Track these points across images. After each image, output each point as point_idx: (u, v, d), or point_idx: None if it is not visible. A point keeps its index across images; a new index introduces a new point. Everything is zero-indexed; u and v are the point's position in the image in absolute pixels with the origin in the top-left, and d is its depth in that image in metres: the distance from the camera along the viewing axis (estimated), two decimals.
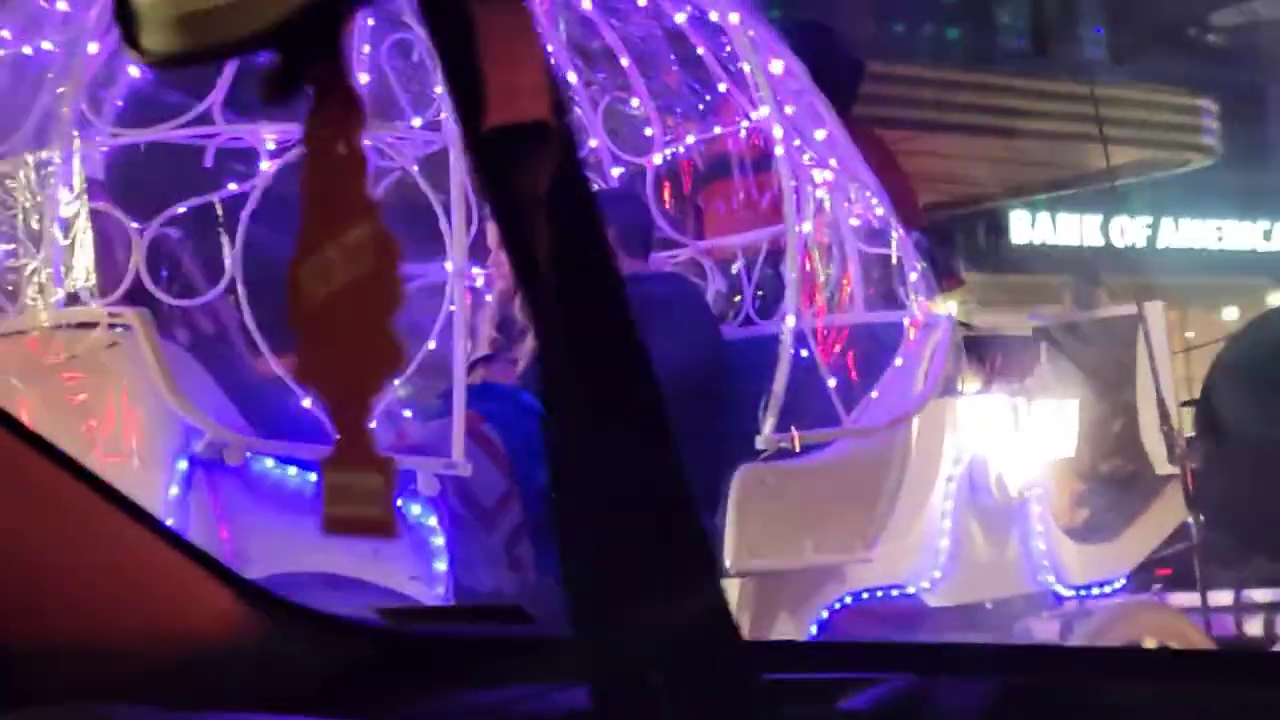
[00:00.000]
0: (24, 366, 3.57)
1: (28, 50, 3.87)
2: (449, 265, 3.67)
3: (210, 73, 3.52)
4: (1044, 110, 15.52)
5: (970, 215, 20.83)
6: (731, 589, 3.99)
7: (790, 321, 4.01)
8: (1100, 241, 18.26)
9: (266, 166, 3.55)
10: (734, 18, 4.25)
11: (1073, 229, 20.08)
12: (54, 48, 3.83)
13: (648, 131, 4.79)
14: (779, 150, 4.15)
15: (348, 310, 0.68)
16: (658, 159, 4.81)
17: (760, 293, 4.54)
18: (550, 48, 4.70)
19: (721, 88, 4.56)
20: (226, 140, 3.63)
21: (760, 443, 3.97)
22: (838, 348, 4.09)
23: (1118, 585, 4.62)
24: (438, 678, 1.62)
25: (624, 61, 4.70)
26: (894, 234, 4.20)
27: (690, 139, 4.77)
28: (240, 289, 3.51)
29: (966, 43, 19.58)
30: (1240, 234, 21.69)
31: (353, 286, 0.68)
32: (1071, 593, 4.52)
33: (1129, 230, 17.06)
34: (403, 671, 1.64)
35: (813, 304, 4.11)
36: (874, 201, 4.25)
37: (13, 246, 3.66)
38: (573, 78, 4.76)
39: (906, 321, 4.18)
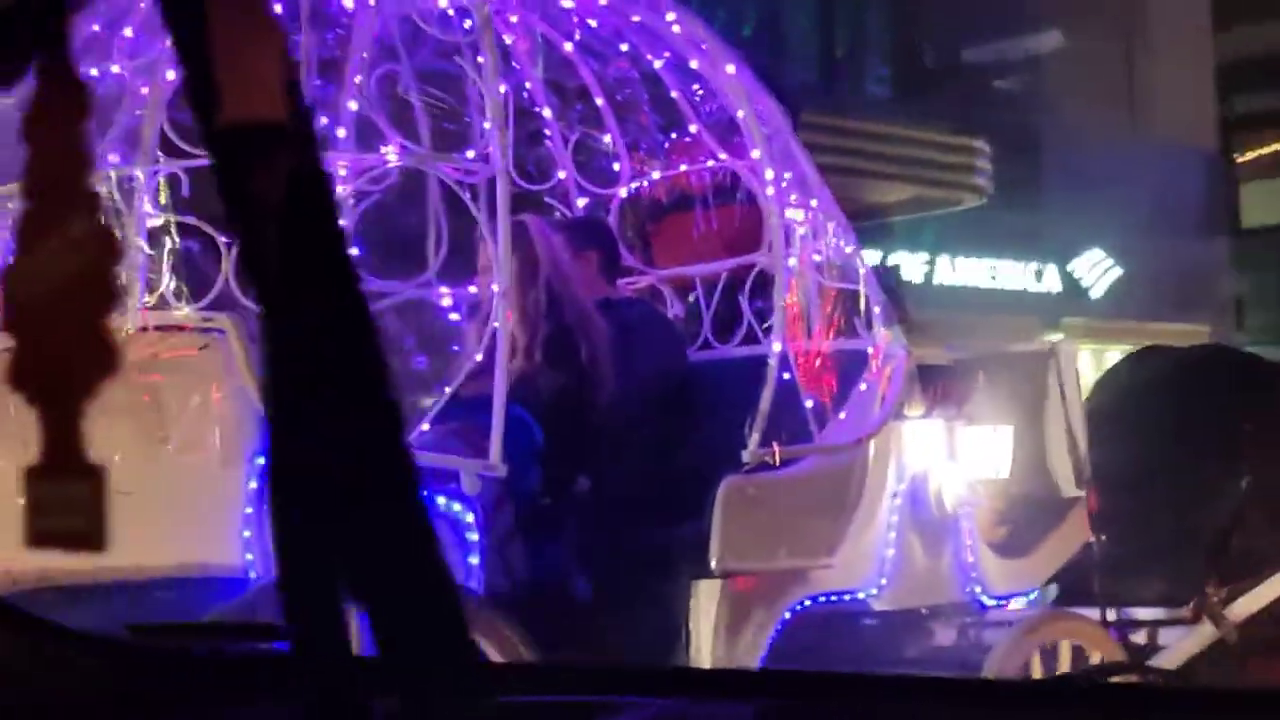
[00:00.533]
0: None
1: (94, 72, 4.22)
2: (495, 286, 4.14)
3: None
4: (822, 144, 16.30)
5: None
6: (714, 588, 4.53)
7: (777, 347, 4.58)
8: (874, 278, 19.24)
9: (342, 190, 3.98)
10: (730, 68, 4.80)
11: None
12: (121, 71, 4.19)
13: (615, 166, 5.31)
14: (769, 190, 4.71)
15: (63, 309, 0.66)
16: (623, 192, 5.33)
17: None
18: (529, 85, 5.19)
19: (693, 129, 5.11)
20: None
21: (746, 456, 4.52)
22: (813, 372, 4.66)
23: (1031, 596, 5.30)
24: (176, 695, 1.62)
25: (599, 101, 5.22)
26: (860, 270, 4.81)
27: (655, 174, 5.30)
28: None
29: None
30: (1013, 273, 22.77)
31: (69, 284, 0.66)
32: (994, 602, 5.17)
33: (906, 267, 18.13)
34: (139, 688, 1.62)
35: (794, 332, 4.68)
36: (842, 241, 4.85)
37: None
38: (548, 113, 5.26)
39: (870, 350, 4.79)
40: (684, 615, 4.49)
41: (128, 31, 4.24)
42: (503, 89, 4.29)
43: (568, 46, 5.07)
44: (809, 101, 18.01)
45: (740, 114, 4.86)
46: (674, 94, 5.08)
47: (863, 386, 4.74)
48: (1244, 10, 28.05)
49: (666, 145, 5.25)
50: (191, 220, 3.94)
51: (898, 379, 4.81)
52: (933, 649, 5.11)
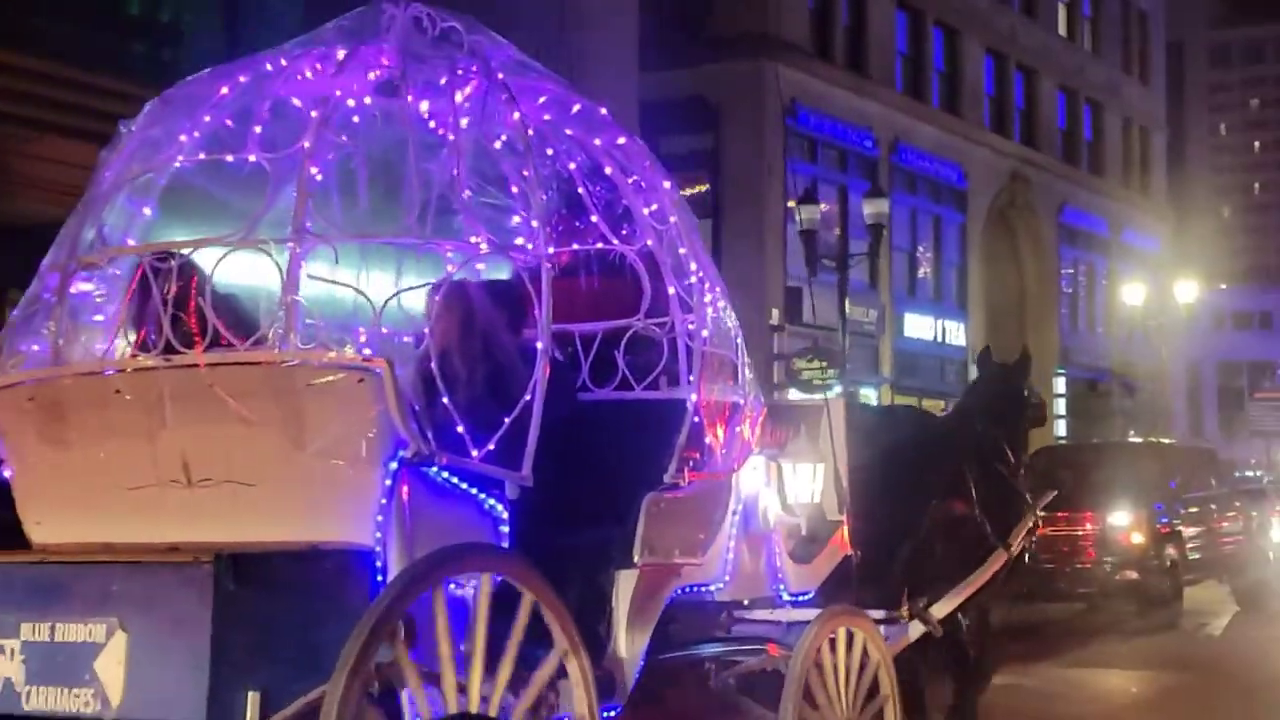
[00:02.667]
0: (260, 392, 5.60)
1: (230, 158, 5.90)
2: (539, 344, 6.06)
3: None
4: None
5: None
6: (632, 576, 6.54)
7: (693, 396, 6.70)
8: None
9: (452, 269, 5.86)
10: (666, 183, 6.88)
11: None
12: (258, 160, 5.88)
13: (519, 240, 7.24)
14: (694, 267, 6.81)
15: None
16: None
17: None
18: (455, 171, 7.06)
19: (593, 218, 7.13)
20: (421, 245, 5.88)
21: (667, 477, 6.61)
22: (709, 414, 6.80)
23: (810, 595, 7.59)
24: None
25: (514, 189, 7.13)
26: (738, 340, 7.00)
27: (550, 250, 7.28)
28: (434, 348, 5.78)
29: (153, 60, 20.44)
30: None
31: None
32: (790, 597, 7.44)
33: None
34: None
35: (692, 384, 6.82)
36: (724, 305, 7.00)
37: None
38: (467, 194, 7.15)
39: (740, 400, 6.98)
40: (610, 595, 6.50)
41: (257, 129, 5.94)
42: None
43: (497, 144, 6.96)
44: None
45: (646, 210, 6.94)
46: (580, 190, 7.11)
47: (737, 429, 6.93)
48: None
49: (562, 228, 7.26)
50: (344, 283, 5.71)
51: (759, 424, 7.04)
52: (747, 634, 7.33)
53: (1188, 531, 21.18)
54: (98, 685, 5.25)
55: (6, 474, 6.19)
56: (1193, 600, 21.00)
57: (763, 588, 7.31)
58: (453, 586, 5.54)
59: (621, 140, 6.93)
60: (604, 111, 6.87)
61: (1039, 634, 18.39)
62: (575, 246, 7.23)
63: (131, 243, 6.28)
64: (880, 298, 40.36)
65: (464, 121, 6.17)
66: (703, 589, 6.98)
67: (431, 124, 6.34)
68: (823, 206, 32.84)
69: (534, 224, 6.15)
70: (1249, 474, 31.13)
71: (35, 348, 6.10)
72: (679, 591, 6.82)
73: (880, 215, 30.47)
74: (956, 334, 44.88)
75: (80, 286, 6.26)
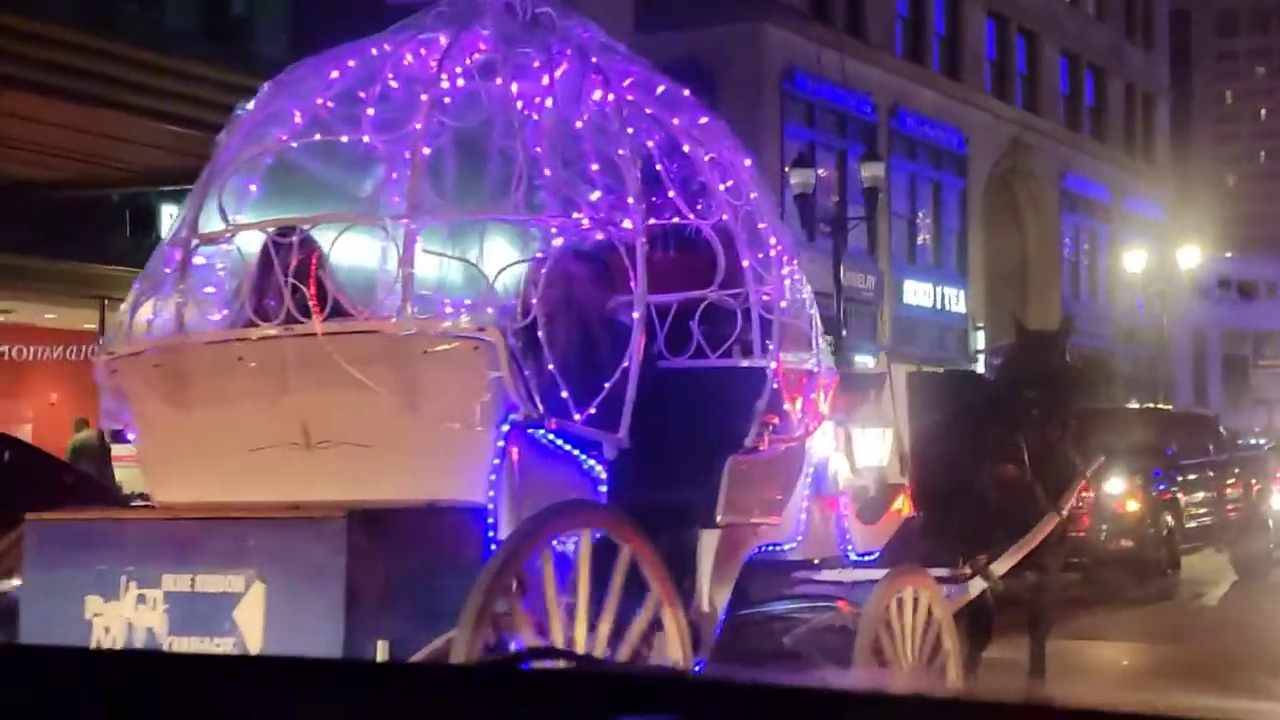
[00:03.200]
0: (378, 359, 6.08)
1: (344, 139, 6.38)
2: (635, 313, 6.54)
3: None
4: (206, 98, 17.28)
5: (111, 199, 22.11)
6: (714, 536, 7.02)
7: (773, 364, 7.19)
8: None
9: (558, 243, 6.34)
10: (747, 162, 7.36)
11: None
12: (371, 140, 6.36)
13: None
14: (774, 241, 7.29)
15: None
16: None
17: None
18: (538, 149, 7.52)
19: (671, 194, 7.58)
20: (530, 221, 6.36)
21: (747, 442, 7.10)
22: (788, 383, 7.30)
23: (875, 555, 8.09)
24: None
25: (594, 166, 7.58)
26: (811, 311, 7.49)
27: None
28: (540, 317, 6.26)
29: (138, 17, 20.95)
30: None
31: None
32: (856, 556, 7.94)
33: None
34: None
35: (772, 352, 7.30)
36: (800, 278, 7.49)
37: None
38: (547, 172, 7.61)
39: (814, 368, 7.47)
40: (695, 552, 6.99)
41: (370, 111, 6.41)
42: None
43: (578, 124, 7.42)
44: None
45: (722, 186, 7.40)
46: (658, 167, 7.57)
47: (811, 396, 7.42)
48: None
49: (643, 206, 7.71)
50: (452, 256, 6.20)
51: (830, 391, 7.54)
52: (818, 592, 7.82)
53: (1185, 499, 21.24)
54: (237, 633, 5.73)
55: (131, 437, 6.67)
56: (1190, 569, 21.12)
57: (832, 547, 7.80)
58: (555, 542, 6.01)
59: (703, 120, 7.40)
60: (686, 93, 7.34)
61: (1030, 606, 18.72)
62: (652, 221, 7.67)
63: (242, 219, 6.73)
64: (879, 264, 40.79)
65: (550, 102, 6.64)
66: (777, 548, 7.47)
67: (519, 104, 6.80)
68: (820, 171, 33.16)
69: (629, 200, 6.61)
70: (1251, 441, 31.21)
71: (160, 318, 6.56)
72: (756, 550, 7.31)
73: (876, 179, 30.39)
74: (956, 301, 45.33)
75: (198, 260, 6.72)
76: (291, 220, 6.46)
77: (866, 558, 7.98)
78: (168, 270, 6.64)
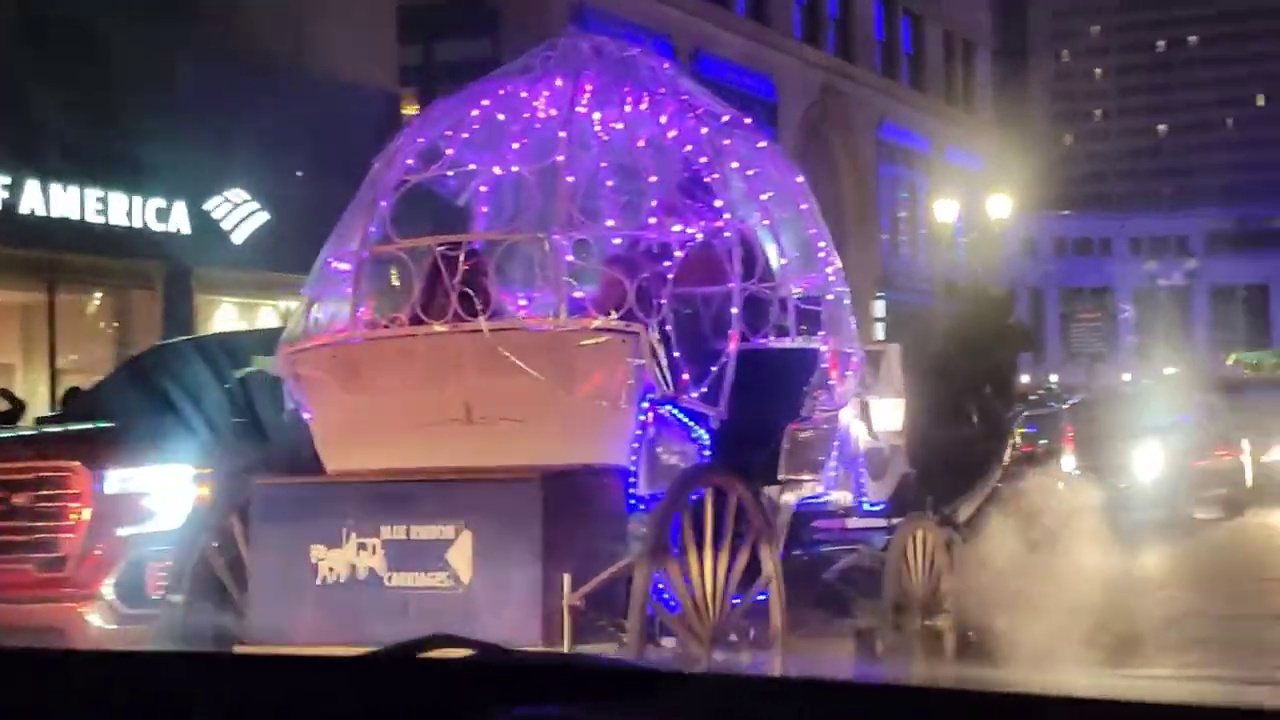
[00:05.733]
0: (534, 351, 8.25)
1: (497, 170, 8.56)
2: (734, 309, 8.80)
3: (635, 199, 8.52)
4: None
5: None
6: (775, 490, 9.30)
7: (824, 347, 9.49)
8: None
9: (679, 254, 8.59)
10: (799, 178, 9.65)
11: None
12: (520, 170, 8.53)
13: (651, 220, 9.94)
14: (822, 245, 9.62)
15: None
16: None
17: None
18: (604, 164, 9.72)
19: (717, 203, 9.81)
20: (658, 236, 8.59)
21: (804, 412, 9.41)
22: (832, 362, 9.61)
23: (880, 506, 10.44)
24: None
25: (652, 179, 9.78)
26: (846, 301, 9.80)
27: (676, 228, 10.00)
28: (670, 317, 8.50)
29: None
30: (127, 208, 23.64)
31: None
32: (869, 506, 10.30)
33: None
34: None
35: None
36: (829, 272, 9.79)
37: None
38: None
39: (850, 351, 9.80)
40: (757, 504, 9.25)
41: (515, 145, 8.60)
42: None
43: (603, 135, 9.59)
44: None
45: (764, 196, 9.65)
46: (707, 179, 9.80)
47: (847, 373, 9.74)
48: None
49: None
50: (608, 268, 8.40)
51: (860, 369, 9.87)
52: (843, 535, 10.17)
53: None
54: (450, 570, 7.88)
55: (306, 416, 8.76)
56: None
57: (851, 500, 10.15)
58: (692, 496, 8.24)
59: (762, 144, 9.68)
60: (748, 120, 9.62)
61: None
62: (703, 224, 9.92)
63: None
64: None
65: (673, 134, 8.92)
66: (816, 500, 9.80)
67: (615, 134, 9.04)
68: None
69: (726, 216, 8.87)
70: (1048, 399, 32.54)
71: (334, 316, 8.66)
72: (802, 503, 9.63)
73: None
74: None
75: (341, 266, 8.84)
76: (458, 237, 8.61)
77: (876, 508, 10.34)
78: (343, 275, 8.71)
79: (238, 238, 24.67)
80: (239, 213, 24.70)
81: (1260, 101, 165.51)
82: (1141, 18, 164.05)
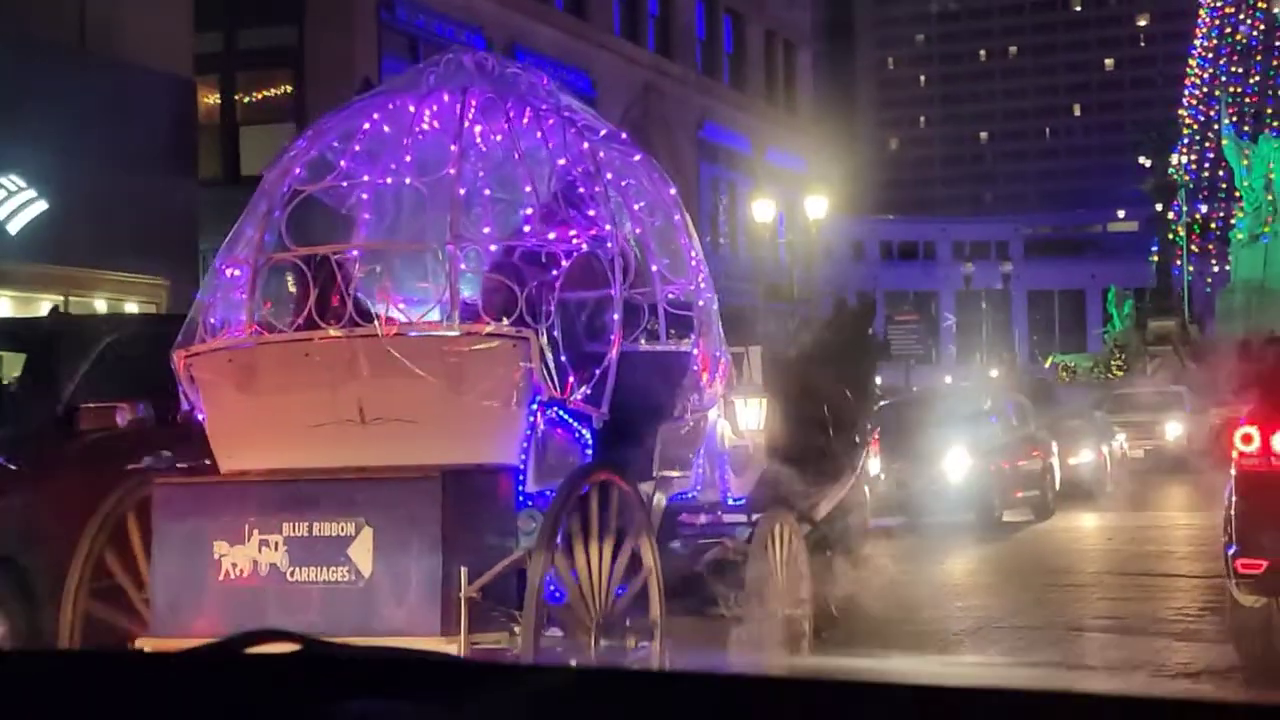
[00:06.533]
0: (428, 354, 8.90)
1: (389, 180, 9.20)
2: (615, 316, 9.52)
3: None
4: None
5: None
6: (649, 486, 10.05)
7: (695, 350, 10.24)
8: None
9: (564, 263, 9.29)
10: (672, 190, 10.39)
11: None
12: (411, 181, 9.19)
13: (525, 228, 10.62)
14: (693, 253, 10.37)
15: None
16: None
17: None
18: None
19: (591, 213, 10.52)
20: (538, 244, 9.28)
21: (676, 412, 10.16)
22: (703, 365, 10.37)
23: (741, 501, 11.22)
24: None
25: (527, 189, 10.47)
26: (713, 307, 10.55)
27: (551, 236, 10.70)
28: (556, 318, 9.20)
29: None
30: None
31: None
32: (732, 501, 11.07)
33: None
34: None
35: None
36: (699, 279, 10.52)
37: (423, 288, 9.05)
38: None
39: (718, 354, 10.56)
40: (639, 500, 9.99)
41: (408, 158, 9.25)
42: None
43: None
44: None
45: (636, 207, 10.39)
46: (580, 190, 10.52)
47: (716, 375, 10.50)
48: None
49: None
50: (496, 275, 9.08)
51: (727, 371, 10.64)
52: (707, 529, 10.93)
53: None
54: (351, 564, 8.51)
55: (200, 417, 9.34)
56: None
57: (716, 494, 10.92)
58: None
59: (637, 158, 10.41)
60: (624, 135, 10.35)
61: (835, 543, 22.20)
62: (592, 232, 10.55)
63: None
64: None
65: (552, 145, 9.62)
66: (684, 496, 10.56)
67: (493, 145, 9.74)
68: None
69: (607, 227, 9.58)
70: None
71: (230, 320, 9.25)
72: (673, 498, 10.39)
73: None
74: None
75: (233, 273, 9.44)
76: (355, 245, 9.25)
77: (737, 502, 11.12)
78: (237, 282, 9.30)
79: (12, 228, 24.19)
80: (13, 201, 24.22)
81: (1077, 111, 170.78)
82: (964, 28, 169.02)
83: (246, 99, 38.92)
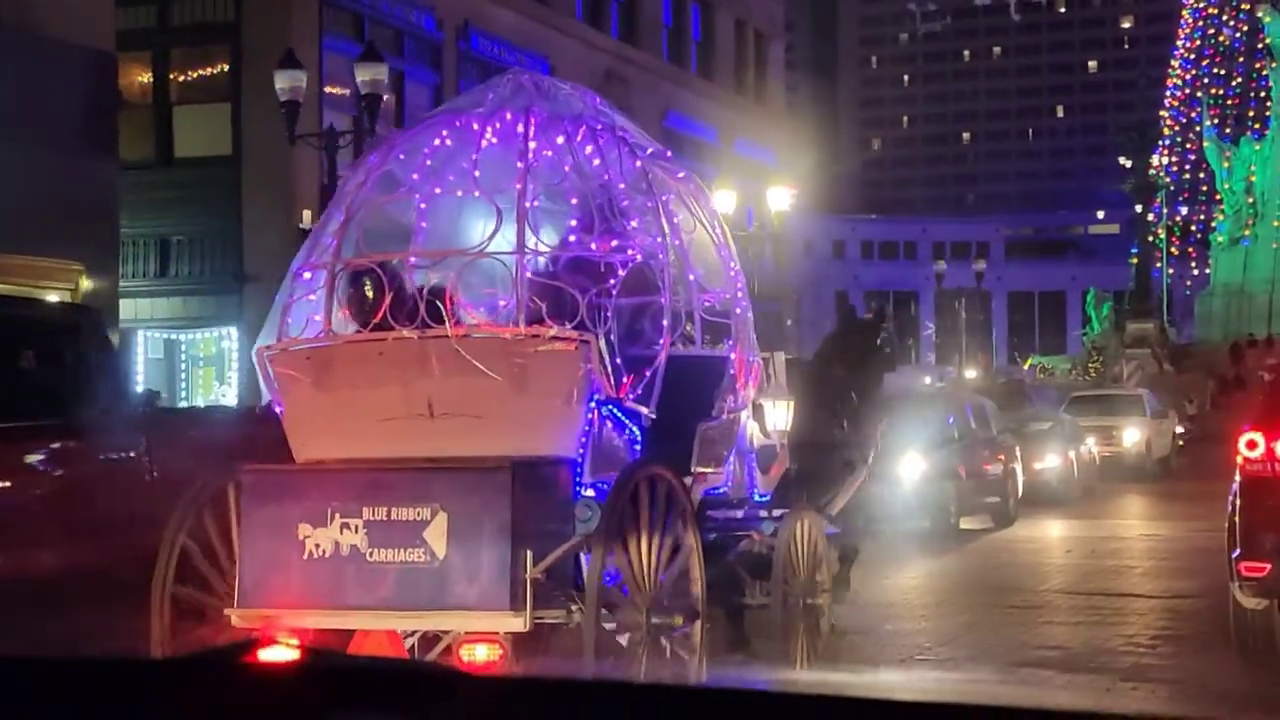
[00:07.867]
0: (495, 354, 10.20)
1: (460, 193, 10.52)
2: (665, 320, 10.84)
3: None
4: None
5: None
6: (689, 480, 11.34)
7: (733, 355, 11.56)
8: None
9: (621, 272, 10.61)
10: (713, 202, 11.70)
11: None
12: (479, 195, 10.50)
13: (571, 238, 11.91)
14: (733, 265, 11.70)
15: None
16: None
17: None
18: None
19: (634, 224, 11.84)
20: (596, 255, 10.59)
21: (714, 412, 11.48)
22: (739, 368, 11.69)
23: (766, 497, 12.53)
24: None
25: (574, 200, 11.77)
26: (748, 315, 11.86)
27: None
28: (615, 323, 10.52)
29: None
30: None
31: None
32: (759, 497, 12.39)
33: None
34: None
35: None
36: (737, 289, 11.83)
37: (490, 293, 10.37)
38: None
39: (752, 359, 11.87)
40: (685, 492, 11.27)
41: (476, 174, 10.56)
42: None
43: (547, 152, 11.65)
44: None
45: (676, 219, 11.71)
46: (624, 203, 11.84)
47: (749, 379, 11.83)
48: None
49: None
50: (558, 281, 10.39)
51: (759, 375, 11.97)
52: (735, 522, 12.24)
53: None
54: (427, 547, 9.79)
55: (278, 410, 10.63)
56: None
57: (744, 490, 12.25)
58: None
59: (681, 174, 11.74)
60: (669, 153, 11.67)
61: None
62: (650, 240, 11.72)
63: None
64: None
65: (597, 163, 10.92)
66: (716, 491, 11.88)
67: (544, 160, 11.06)
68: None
69: (659, 239, 10.91)
70: None
71: (305, 321, 10.53)
72: (705, 492, 11.71)
73: (377, 84, 29.26)
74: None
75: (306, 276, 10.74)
76: (426, 252, 10.55)
77: (763, 498, 12.45)
78: (314, 284, 10.59)
79: None
80: None
81: (1059, 113, 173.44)
82: (947, 28, 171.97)
83: (181, 77, 38.49)
